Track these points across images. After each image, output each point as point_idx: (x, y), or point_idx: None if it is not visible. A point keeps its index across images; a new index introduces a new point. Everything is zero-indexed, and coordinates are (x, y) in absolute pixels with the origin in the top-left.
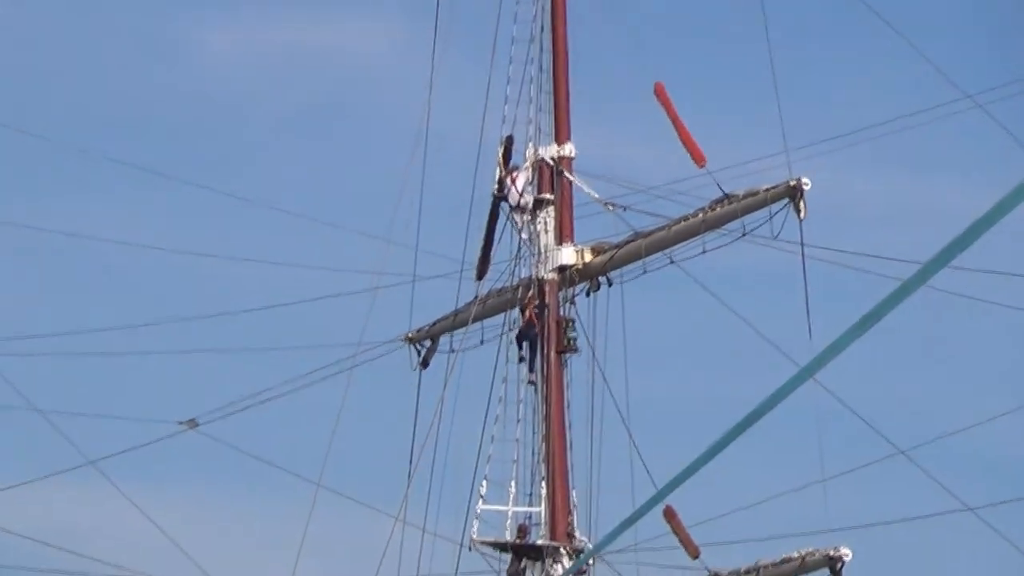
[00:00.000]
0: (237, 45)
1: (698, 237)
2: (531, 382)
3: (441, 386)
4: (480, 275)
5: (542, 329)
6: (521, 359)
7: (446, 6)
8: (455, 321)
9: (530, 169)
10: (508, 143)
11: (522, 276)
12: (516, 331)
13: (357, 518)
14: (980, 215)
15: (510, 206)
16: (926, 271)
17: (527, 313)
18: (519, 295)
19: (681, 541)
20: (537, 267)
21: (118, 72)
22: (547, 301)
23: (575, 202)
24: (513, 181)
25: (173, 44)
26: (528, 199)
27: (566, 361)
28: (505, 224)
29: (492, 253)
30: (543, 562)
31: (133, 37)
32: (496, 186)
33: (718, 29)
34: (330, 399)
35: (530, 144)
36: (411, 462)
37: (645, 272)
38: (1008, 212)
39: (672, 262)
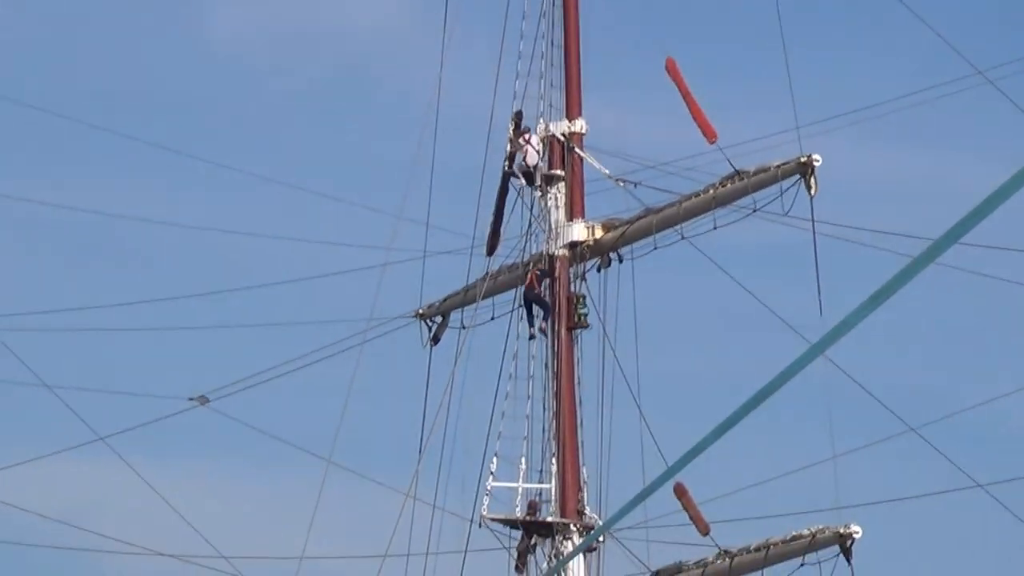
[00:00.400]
0: (247, 23)
1: (709, 213)
2: (532, 336)
3: (452, 362)
4: (490, 251)
5: (554, 303)
6: (531, 331)
7: None
8: (466, 297)
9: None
10: (518, 118)
11: (533, 252)
12: (524, 292)
13: (368, 494)
14: (991, 191)
15: (522, 170)
16: (937, 248)
17: (528, 276)
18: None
19: (691, 518)
20: (548, 243)
21: (128, 50)
22: (558, 276)
23: (586, 178)
24: (527, 141)
25: (184, 23)
26: (541, 164)
27: (577, 337)
28: (516, 199)
29: (502, 228)
30: (553, 539)
31: (144, 16)
32: (506, 161)
33: (729, 5)
34: (341, 375)
35: (541, 119)
36: (422, 439)
37: (656, 248)
38: (1020, 188)
39: (683, 238)
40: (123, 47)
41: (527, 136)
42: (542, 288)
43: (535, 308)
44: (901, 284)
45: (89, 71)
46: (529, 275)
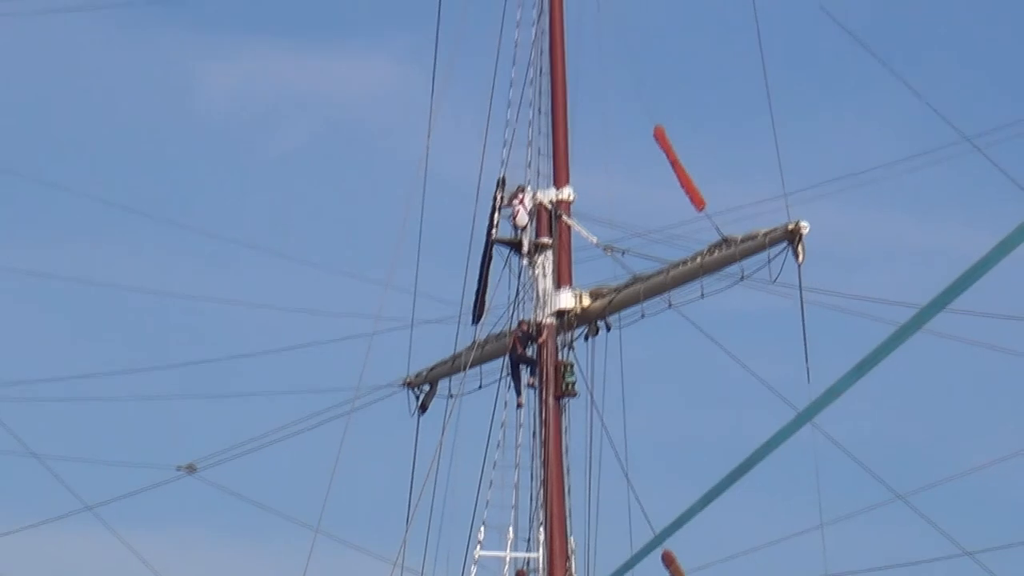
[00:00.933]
0: (234, 89)
1: (697, 281)
2: (519, 405)
3: (439, 431)
4: (476, 318)
5: (541, 371)
6: (518, 400)
7: (444, 49)
8: (453, 366)
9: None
10: (502, 186)
11: (521, 319)
12: (511, 356)
13: (355, 564)
14: (977, 258)
15: (510, 238)
16: (923, 315)
17: (512, 340)
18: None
19: None
20: (535, 311)
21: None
22: (545, 344)
23: (574, 246)
24: (521, 201)
25: (171, 88)
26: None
27: (564, 405)
28: (504, 268)
29: (487, 295)
30: None
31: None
32: (493, 227)
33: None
34: (328, 444)
35: (528, 187)
36: (409, 507)
37: (643, 316)
38: (1006, 255)
39: (671, 306)
40: (110, 114)
41: (521, 197)
42: (526, 349)
43: (522, 369)
44: (887, 353)
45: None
46: (512, 338)
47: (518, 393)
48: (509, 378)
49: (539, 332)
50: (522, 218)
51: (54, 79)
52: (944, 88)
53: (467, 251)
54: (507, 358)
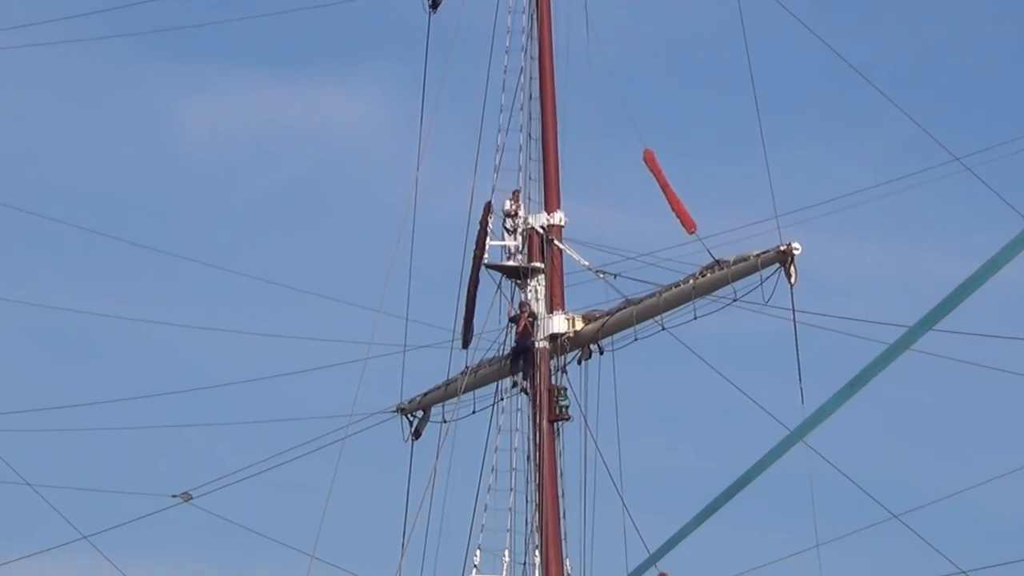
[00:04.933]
0: (220, 122)
1: (689, 303)
2: (524, 390)
3: (434, 456)
4: (465, 343)
5: (535, 395)
6: (514, 379)
7: (433, 77)
8: (446, 392)
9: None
10: (487, 210)
11: (513, 345)
12: (511, 347)
13: None
14: (966, 278)
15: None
16: (912, 334)
17: (520, 324)
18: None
19: None
20: (529, 375)
21: (104, 152)
22: (539, 368)
23: (566, 270)
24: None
25: (157, 122)
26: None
27: (558, 429)
28: (496, 292)
29: (474, 319)
30: None
31: (117, 116)
32: (477, 250)
33: (707, 96)
34: (323, 470)
35: (520, 212)
36: (404, 533)
37: (636, 339)
38: (994, 274)
39: (663, 329)
40: (93, 145)
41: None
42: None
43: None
44: (877, 371)
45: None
46: (522, 323)
47: (525, 377)
48: (508, 363)
49: (532, 357)
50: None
51: (36, 111)
52: (934, 110)
53: (459, 277)
54: (500, 384)
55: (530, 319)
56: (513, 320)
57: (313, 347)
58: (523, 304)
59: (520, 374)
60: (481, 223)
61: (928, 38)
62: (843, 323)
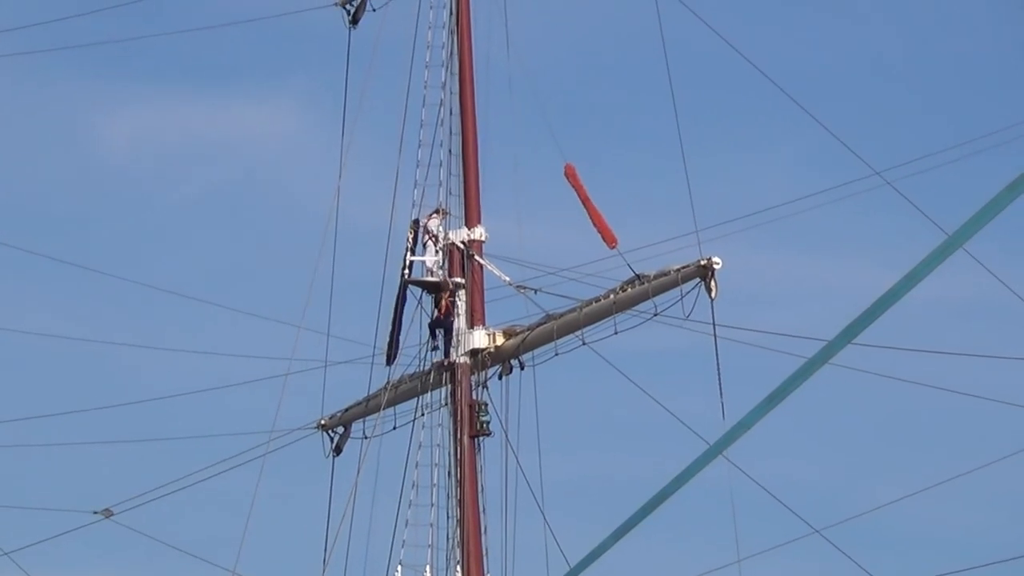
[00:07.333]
0: (140, 137)
1: (610, 318)
2: (444, 367)
3: (355, 472)
4: (389, 360)
5: (456, 411)
6: (435, 348)
7: (353, 92)
8: (367, 407)
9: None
10: (415, 227)
11: (434, 360)
12: (430, 320)
13: None
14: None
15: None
16: (830, 348)
17: (443, 303)
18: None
19: None
20: (449, 350)
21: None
22: (459, 384)
23: (486, 285)
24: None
25: (74, 134)
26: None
27: (479, 445)
28: (416, 308)
29: (401, 337)
30: None
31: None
32: (404, 269)
33: (627, 110)
34: (244, 487)
35: (440, 228)
36: (326, 549)
37: (557, 354)
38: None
39: (584, 344)
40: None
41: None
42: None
43: (439, 333)
44: (796, 385)
45: None
46: (444, 303)
47: (437, 348)
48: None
49: (453, 372)
50: (430, 254)
51: None
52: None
53: (380, 292)
54: (421, 399)
55: (451, 300)
56: (436, 301)
57: (234, 362)
58: (447, 285)
59: (437, 349)
60: (410, 240)
61: (850, 50)
62: (764, 337)
